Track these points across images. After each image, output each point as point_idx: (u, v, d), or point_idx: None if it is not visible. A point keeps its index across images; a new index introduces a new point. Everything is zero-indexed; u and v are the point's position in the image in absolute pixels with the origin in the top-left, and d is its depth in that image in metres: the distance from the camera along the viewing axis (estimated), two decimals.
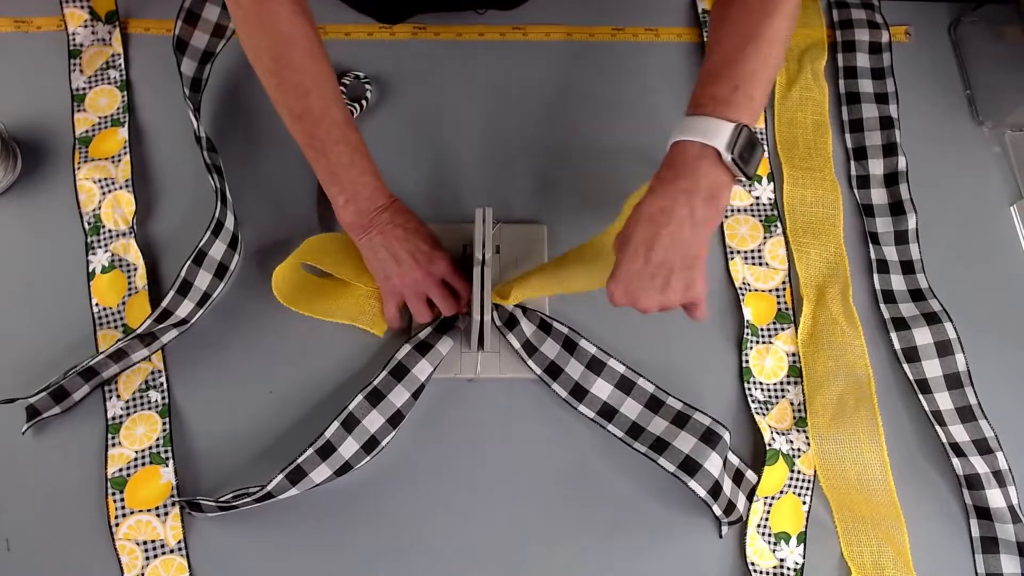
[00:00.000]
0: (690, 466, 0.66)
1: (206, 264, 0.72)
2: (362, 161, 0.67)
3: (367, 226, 0.68)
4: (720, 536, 0.69)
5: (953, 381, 0.73)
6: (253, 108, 0.82)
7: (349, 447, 0.66)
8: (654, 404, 0.71)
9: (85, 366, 0.68)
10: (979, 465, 0.70)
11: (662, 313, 0.62)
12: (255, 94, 0.82)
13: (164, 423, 0.70)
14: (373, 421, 0.67)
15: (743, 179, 0.57)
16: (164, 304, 0.71)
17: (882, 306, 0.77)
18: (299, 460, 0.65)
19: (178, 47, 0.77)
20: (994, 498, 0.69)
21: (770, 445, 0.71)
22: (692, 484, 0.66)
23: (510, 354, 0.73)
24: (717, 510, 0.67)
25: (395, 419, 0.67)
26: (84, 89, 0.81)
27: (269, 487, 0.64)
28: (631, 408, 0.71)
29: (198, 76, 0.79)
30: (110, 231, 0.76)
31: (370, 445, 0.67)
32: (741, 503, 0.68)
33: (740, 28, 0.57)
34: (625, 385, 0.71)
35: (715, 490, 0.66)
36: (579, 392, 0.71)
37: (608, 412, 0.71)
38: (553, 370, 0.72)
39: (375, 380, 0.68)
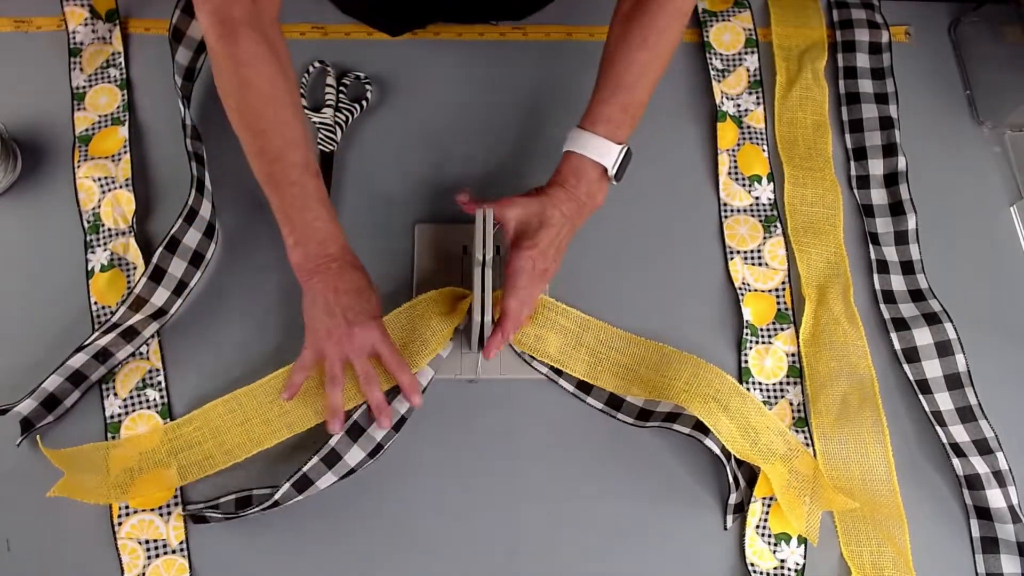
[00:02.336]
0: (704, 428, 0.68)
1: (180, 251, 0.72)
2: (317, 207, 0.65)
3: (312, 271, 0.65)
4: (725, 528, 0.69)
5: (953, 381, 0.73)
6: None
7: (355, 455, 0.66)
8: None
9: (66, 366, 0.68)
10: (979, 465, 0.70)
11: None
12: None
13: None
14: (379, 429, 0.67)
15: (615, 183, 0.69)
16: (137, 291, 0.71)
17: (882, 306, 0.77)
18: (304, 469, 0.65)
19: (174, 36, 0.77)
20: (994, 498, 0.69)
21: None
22: (708, 442, 0.68)
23: (511, 355, 0.73)
24: (731, 469, 0.68)
25: (399, 425, 0.68)
26: (84, 87, 0.81)
27: (276, 496, 0.64)
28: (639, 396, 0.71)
29: (192, 66, 0.79)
30: (110, 230, 0.76)
31: (375, 452, 0.67)
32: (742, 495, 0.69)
33: (638, 58, 0.66)
34: None
35: (726, 452, 0.68)
36: (585, 385, 0.72)
37: (616, 402, 0.72)
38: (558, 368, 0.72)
39: None
